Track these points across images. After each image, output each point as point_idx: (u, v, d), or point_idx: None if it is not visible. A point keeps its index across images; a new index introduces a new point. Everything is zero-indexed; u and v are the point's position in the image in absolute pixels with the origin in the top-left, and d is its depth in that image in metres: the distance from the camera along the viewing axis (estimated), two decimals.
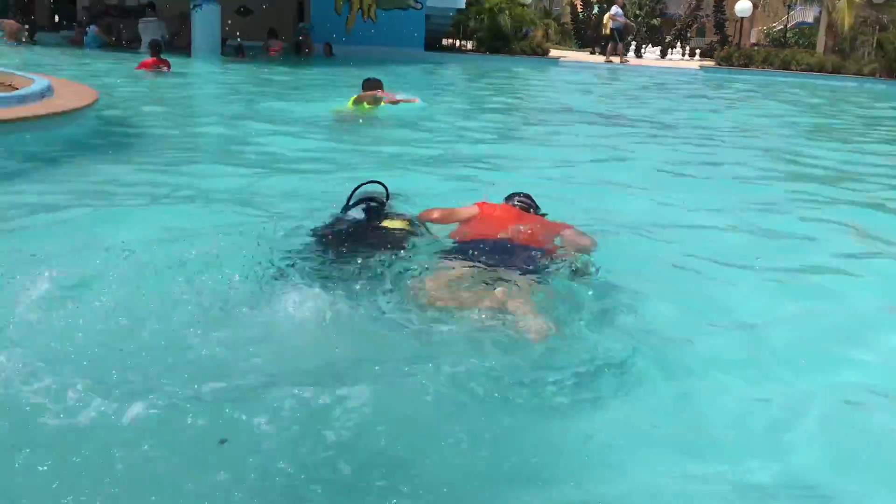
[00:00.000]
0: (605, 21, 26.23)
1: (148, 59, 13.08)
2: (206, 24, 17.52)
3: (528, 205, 4.14)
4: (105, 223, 4.53)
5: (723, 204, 5.64)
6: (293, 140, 7.86)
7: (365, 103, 9.03)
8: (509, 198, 4.17)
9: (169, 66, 13.10)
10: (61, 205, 4.83)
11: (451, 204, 4.19)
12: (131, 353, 2.68)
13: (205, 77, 14.81)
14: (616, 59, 23.98)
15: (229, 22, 18.15)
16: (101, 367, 2.52)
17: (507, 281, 3.22)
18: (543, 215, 4.16)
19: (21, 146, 5.99)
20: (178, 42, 18.70)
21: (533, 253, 3.51)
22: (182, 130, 8.52)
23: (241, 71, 15.41)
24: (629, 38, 25.35)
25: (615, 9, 24.79)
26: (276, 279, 3.31)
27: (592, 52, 29.94)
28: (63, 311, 2.89)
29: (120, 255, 3.44)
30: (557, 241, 3.79)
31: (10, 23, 18.05)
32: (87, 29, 18.32)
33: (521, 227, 3.76)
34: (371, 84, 9.18)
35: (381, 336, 3.00)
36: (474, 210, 3.99)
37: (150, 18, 18.01)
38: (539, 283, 3.31)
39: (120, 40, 18.63)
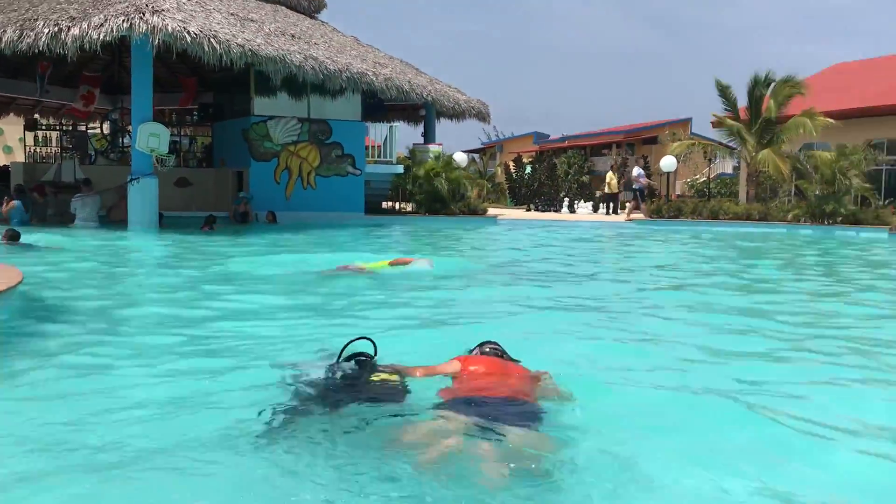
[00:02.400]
0: (608, 180, 28.11)
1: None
2: (142, 197, 17.40)
3: (500, 351, 4.40)
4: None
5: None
6: (260, 296, 8.20)
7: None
8: (481, 346, 4.44)
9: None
10: None
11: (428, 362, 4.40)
12: None
13: (148, 249, 14.46)
14: (638, 215, 25.17)
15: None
16: None
17: (502, 438, 3.37)
18: (517, 361, 4.40)
19: None
20: (113, 216, 18.48)
21: (523, 407, 3.72)
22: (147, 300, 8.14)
23: (184, 242, 15.15)
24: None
25: (638, 170, 26.81)
26: (277, 431, 3.55)
27: (527, 209, 30.79)
28: None
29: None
30: (538, 390, 4.04)
31: None
32: (14, 202, 17.76)
33: (507, 381, 4.00)
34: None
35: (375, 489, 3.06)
36: (456, 366, 4.19)
37: (85, 194, 17.79)
38: (531, 435, 3.48)
39: (44, 216, 18.30)
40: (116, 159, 23.92)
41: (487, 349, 4.41)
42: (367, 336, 4.42)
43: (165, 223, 17.93)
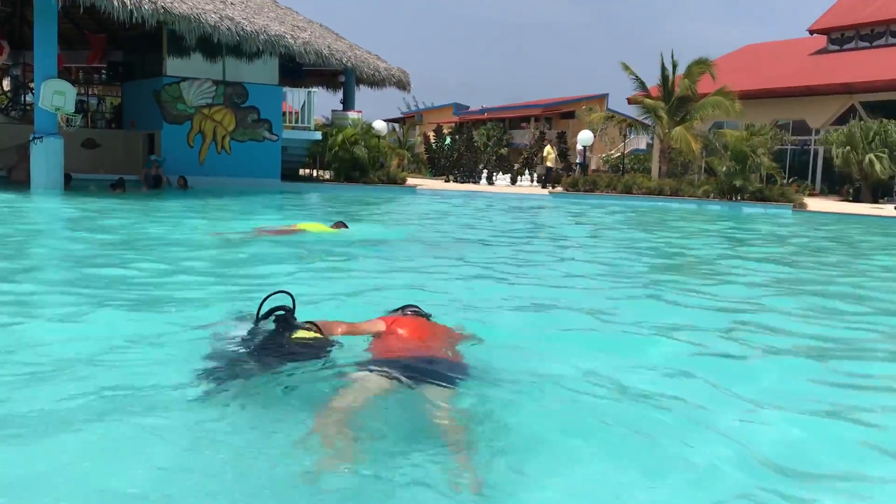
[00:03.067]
0: (546, 153, 28.29)
1: None
2: (46, 157, 16.63)
3: (422, 313, 4.53)
4: None
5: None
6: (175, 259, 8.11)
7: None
8: (403, 308, 4.53)
9: None
10: None
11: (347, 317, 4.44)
12: None
13: (53, 211, 13.84)
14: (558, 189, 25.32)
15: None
16: None
17: (429, 398, 3.47)
18: (428, 316, 4.57)
19: None
20: (14, 176, 17.63)
21: (446, 365, 3.84)
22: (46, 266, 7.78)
23: (92, 204, 14.56)
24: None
25: (581, 143, 27.01)
26: (203, 397, 3.51)
27: (447, 181, 30.82)
28: None
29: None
30: (460, 341, 4.32)
31: None
32: None
33: (432, 341, 4.16)
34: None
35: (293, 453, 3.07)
36: (381, 325, 4.24)
37: None
38: (458, 395, 3.60)
39: None
40: (18, 117, 22.84)
41: (409, 312, 4.49)
42: (285, 290, 4.30)
43: (73, 186, 17.22)
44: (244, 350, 3.96)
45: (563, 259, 10.42)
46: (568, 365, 4.46)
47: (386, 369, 3.64)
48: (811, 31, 34.23)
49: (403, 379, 3.56)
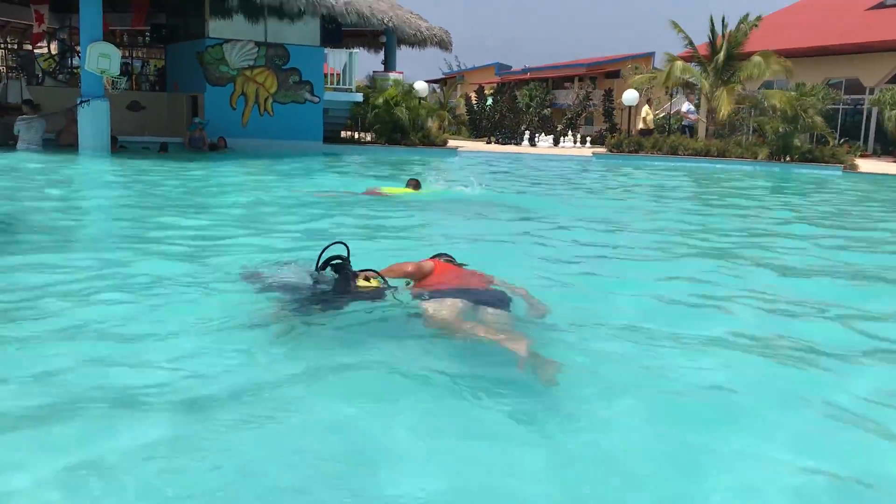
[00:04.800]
0: (643, 115, 26.56)
1: None
2: (93, 120, 16.84)
3: (454, 261, 5.06)
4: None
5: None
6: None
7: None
8: (439, 256, 5.08)
9: None
10: None
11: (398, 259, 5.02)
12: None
13: (98, 173, 14.07)
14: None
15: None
16: None
17: (494, 310, 4.26)
18: (463, 265, 5.04)
19: None
20: (63, 139, 17.89)
21: (490, 292, 4.53)
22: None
23: (139, 165, 14.76)
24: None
25: (688, 105, 25.01)
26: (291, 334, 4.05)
27: (488, 142, 30.60)
28: None
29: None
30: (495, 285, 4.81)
31: None
32: None
33: (476, 276, 4.80)
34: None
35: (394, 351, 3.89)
36: (428, 265, 4.80)
37: (29, 116, 17.12)
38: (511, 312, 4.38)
39: None
40: (65, 80, 23.09)
41: (444, 259, 5.01)
42: (341, 240, 4.66)
43: (121, 148, 17.48)
44: (317, 294, 4.49)
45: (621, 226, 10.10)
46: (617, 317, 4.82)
47: (451, 295, 4.32)
48: None
49: (468, 301, 4.25)
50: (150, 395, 3.28)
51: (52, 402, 3.19)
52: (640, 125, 26.97)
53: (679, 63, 24.64)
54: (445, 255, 5.07)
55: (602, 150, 25.41)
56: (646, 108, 26.99)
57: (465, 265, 4.98)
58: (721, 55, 23.78)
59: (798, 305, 5.43)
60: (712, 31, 24.71)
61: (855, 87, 29.38)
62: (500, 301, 4.38)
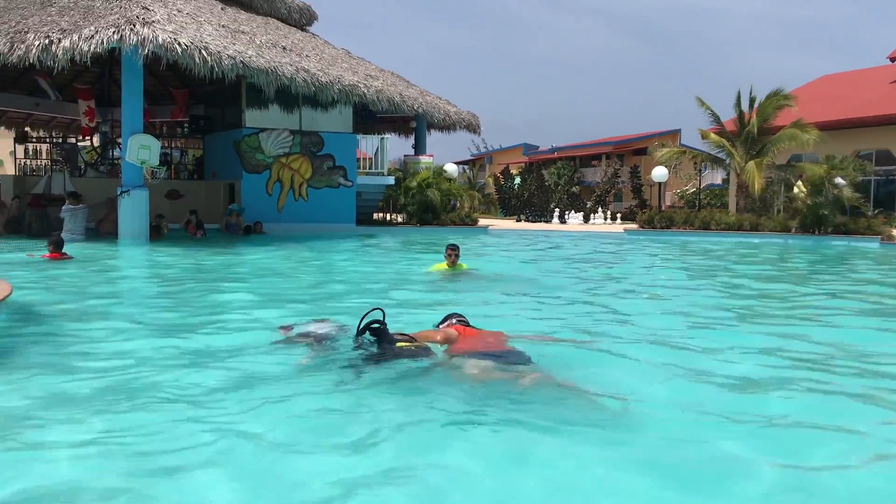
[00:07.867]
0: (796, 191, 23.06)
1: (48, 254, 12.40)
2: (133, 209, 17.29)
3: (466, 321, 5.58)
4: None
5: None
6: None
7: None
8: (449, 317, 5.63)
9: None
10: None
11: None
12: None
13: (139, 261, 14.35)
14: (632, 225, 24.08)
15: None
16: None
17: (518, 367, 4.83)
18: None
19: None
20: (102, 228, 18.35)
21: (511, 352, 5.06)
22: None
23: (178, 253, 15.04)
24: None
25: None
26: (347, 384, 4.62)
27: (518, 220, 30.83)
28: None
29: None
30: (508, 343, 5.33)
31: None
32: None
33: (491, 339, 5.31)
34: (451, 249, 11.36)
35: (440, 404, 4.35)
36: (454, 332, 5.32)
37: (75, 206, 17.62)
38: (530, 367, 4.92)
39: (31, 229, 18.15)
40: (106, 171, 23.82)
41: (455, 320, 5.54)
42: (378, 307, 5.15)
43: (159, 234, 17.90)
44: (362, 354, 4.98)
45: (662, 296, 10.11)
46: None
47: (478, 357, 4.90)
48: (891, 59, 33.30)
49: (492, 361, 4.84)
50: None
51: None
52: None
53: (713, 135, 24.88)
54: (457, 315, 5.64)
55: (633, 225, 25.46)
56: (799, 182, 23.36)
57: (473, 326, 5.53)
58: (752, 129, 23.96)
59: None
60: (739, 105, 24.96)
61: (885, 158, 29.32)
62: (521, 358, 4.96)
